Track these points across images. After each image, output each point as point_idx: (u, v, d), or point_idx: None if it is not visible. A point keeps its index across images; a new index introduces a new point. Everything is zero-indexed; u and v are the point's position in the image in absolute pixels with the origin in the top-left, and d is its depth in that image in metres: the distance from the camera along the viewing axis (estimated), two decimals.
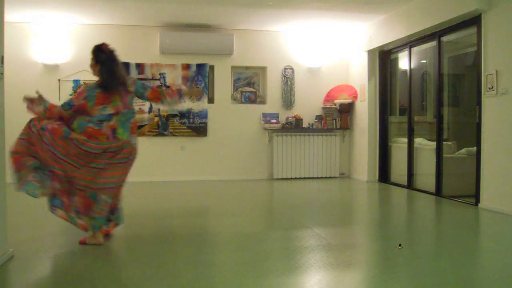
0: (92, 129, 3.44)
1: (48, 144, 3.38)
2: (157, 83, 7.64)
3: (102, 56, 3.62)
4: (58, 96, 7.38)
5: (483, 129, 5.22)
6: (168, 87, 7.65)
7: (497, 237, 4.22)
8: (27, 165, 3.37)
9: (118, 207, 3.82)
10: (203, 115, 7.80)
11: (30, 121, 3.46)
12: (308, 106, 8.20)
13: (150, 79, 7.62)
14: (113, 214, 3.77)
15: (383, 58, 7.59)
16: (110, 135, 3.46)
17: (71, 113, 3.49)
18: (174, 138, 7.80)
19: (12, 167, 3.37)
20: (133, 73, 7.55)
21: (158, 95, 3.73)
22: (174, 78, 7.69)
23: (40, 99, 3.45)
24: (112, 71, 3.55)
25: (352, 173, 8.33)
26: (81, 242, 3.64)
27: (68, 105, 3.53)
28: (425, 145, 6.67)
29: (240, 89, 8.21)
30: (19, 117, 7.18)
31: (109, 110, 3.48)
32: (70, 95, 7.24)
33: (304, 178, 8.09)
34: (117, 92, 3.52)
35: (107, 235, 3.82)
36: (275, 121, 8.00)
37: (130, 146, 3.61)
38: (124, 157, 3.57)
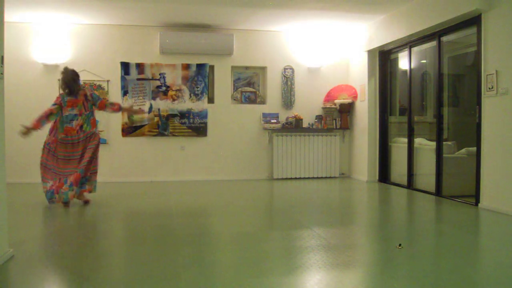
0: (67, 127, 5.28)
1: (53, 152, 5.35)
2: (157, 83, 7.64)
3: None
4: None
5: (483, 129, 5.22)
6: (168, 87, 7.67)
7: (497, 237, 4.22)
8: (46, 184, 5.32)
9: (93, 178, 5.46)
10: (203, 115, 7.80)
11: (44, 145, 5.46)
12: (308, 106, 8.20)
13: (150, 79, 7.63)
14: (89, 181, 5.42)
15: (383, 58, 7.59)
16: (79, 130, 5.30)
17: (56, 107, 5.30)
18: (174, 138, 7.80)
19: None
20: (133, 73, 7.56)
21: (103, 106, 5.46)
22: (174, 78, 7.69)
23: (28, 129, 5.20)
24: (71, 86, 5.34)
25: (352, 173, 8.33)
26: (86, 202, 5.50)
27: (53, 104, 5.36)
28: (425, 145, 6.67)
29: (240, 89, 8.21)
30: (19, 117, 7.22)
31: (75, 111, 5.29)
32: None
33: (304, 178, 8.09)
34: (80, 99, 5.30)
35: (86, 202, 5.50)
36: (275, 121, 8.00)
37: (95, 135, 5.43)
38: (93, 143, 5.37)
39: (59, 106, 5.28)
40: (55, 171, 5.29)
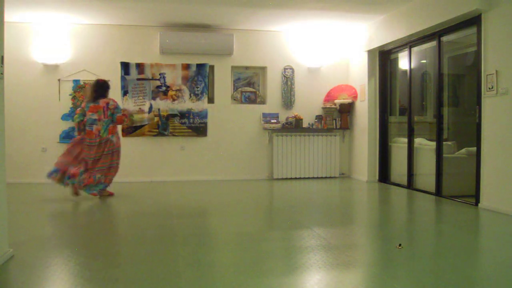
0: (88, 130, 5.78)
1: (80, 151, 5.80)
2: (157, 83, 7.65)
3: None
4: (58, 96, 7.39)
5: (483, 129, 5.22)
6: (168, 87, 7.66)
7: (497, 237, 4.22)
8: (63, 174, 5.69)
9: (109, 182, 5.90)
10: (203, 115, 7.80)
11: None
12: (308, 106, 8.20)
13: (150, 79, 7.62)
14: (108, 185, 5.91)
15: (383, 58, 7.59)
16: (97, 134, 5.74)
17: (80, 109, 5.98)
18: (174, 138, 7.80)
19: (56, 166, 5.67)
20: (133, 73, 7.56)
21: (121, 121, 5.91)
22: (174, 78, 7.69)
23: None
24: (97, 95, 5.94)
25: (352, 173, 8.33)
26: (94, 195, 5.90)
27: (77, 107, 6.34)
28: (425, 145, 6.67)
29: (240, 89, 8.21)
30: (19, 117, 7.23)
31: (95, 116, 5.77)
32: (70, 95, 7.33)
33: (304, 178, 8.08)
34: (101, 105, 5.79)
35: (106, 194, 6.01)
36: (275, 121, 8.00)
37: (110, 141, 5.82)
38: (109, 149, 5.81)
39: (82, 109, 5.87)
40: (78, 157, 5.76)
